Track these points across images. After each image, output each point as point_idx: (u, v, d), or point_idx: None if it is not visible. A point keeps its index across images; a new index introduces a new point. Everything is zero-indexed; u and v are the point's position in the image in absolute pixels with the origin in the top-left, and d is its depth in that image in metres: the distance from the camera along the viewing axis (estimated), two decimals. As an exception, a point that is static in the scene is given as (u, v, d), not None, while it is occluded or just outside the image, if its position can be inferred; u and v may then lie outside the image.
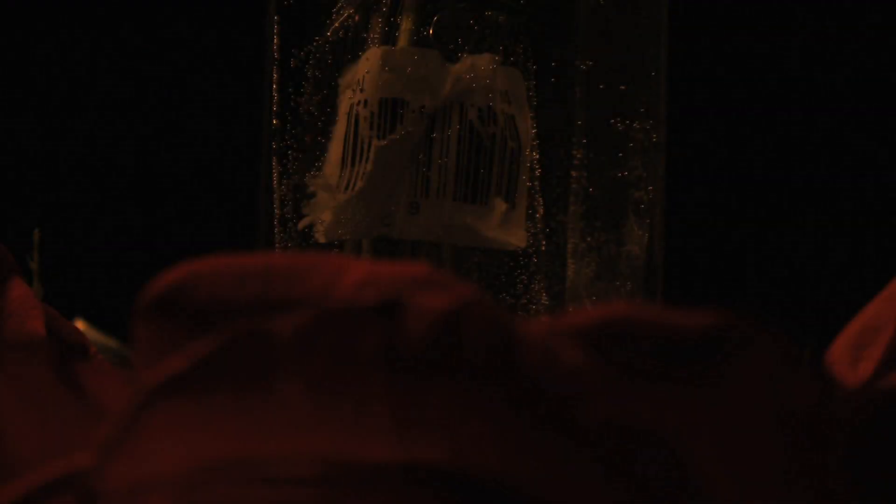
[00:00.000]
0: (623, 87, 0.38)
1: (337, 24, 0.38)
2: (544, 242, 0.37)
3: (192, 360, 0.17)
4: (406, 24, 0.36)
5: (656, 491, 0.18)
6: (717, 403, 0.17)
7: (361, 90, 0.36)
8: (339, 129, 0.37)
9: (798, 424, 0.18)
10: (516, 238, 0.36)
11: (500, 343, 0.17)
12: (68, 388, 0.20)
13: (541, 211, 0.37)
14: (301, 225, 0.37)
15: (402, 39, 0.36)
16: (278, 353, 0.17)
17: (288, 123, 0.38)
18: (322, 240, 0.37)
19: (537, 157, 0.37)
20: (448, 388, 0.17)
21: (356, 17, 0.37)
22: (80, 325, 0.53)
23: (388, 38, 0.37)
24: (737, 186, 0.85)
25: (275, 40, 0.39)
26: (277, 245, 0.38)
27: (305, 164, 0.38)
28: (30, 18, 0.87)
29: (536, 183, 0.37)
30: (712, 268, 0.84)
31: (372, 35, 0.37)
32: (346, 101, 0.37)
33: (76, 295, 0.75)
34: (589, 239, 0.38)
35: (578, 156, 0.38)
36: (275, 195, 0.38)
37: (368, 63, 0.36)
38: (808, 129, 0.83)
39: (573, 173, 0.38)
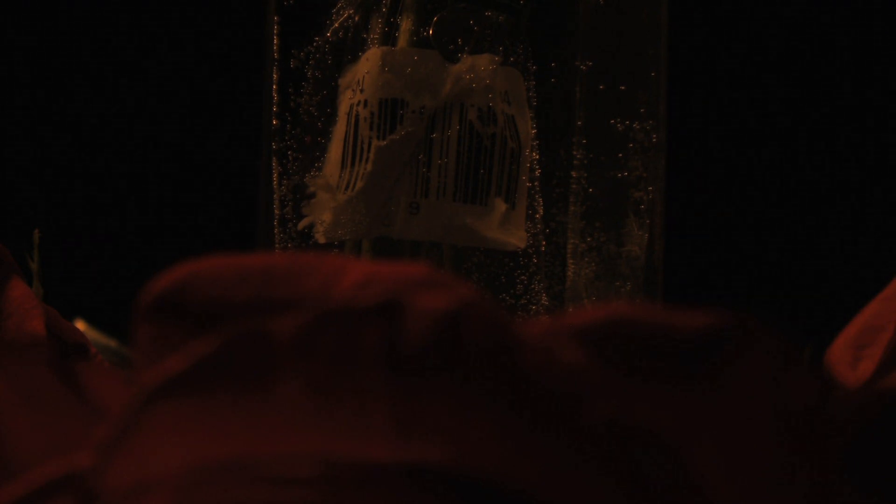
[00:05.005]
0: (623, 87, 0.38)
1: (337, 25, 0.38)
2: (544, 242, 0.37)
3: (192, 360, 0.17)
4: (406, 25, 0.36)
5: (656, 491, 0.18)
6: (717, 403, 0.18)
7: (361, 90, 0.36)
8: (339, 130, 0.37)
9: (798, 424, 0.18)
10: (516, 238, 0.36)
11: (499, 343, 0.17)
12: (68, 388, 0.20)
13: (541, 211, 0.37)
14: (301, 225, 0.37)
15: (402, 40, 0.36)
16: (278, 353, 0.17)
17: (288, 123, 0.38)
18: (322, 240, 0.37)
19: (537, 157, 0.37)
20: (448, 389, 0.17)
21: (356, 18, 0.37)
22: (80, 325, 0.53)
23: (388, 39, 0.37)
24: (737, 186, 0.85)
25: (275, 40, 0.39)
26: (277, 245, 0.38)
27: (305, 165, 0.38)
28: (30, 18, 0.87)
29: (536, 183, 0.37)
30: (712, 268, 0.84)
31: (372, 35, 0.37)
32: (346, 102, 0.37)
33: (76, 295, 0.75)
34: (589, 239, 0.38)
35: (578, 156, 0.38)
36: (275, 195, 0.38)
37: (368, 63, 0.36)
38: (808, 128, 0.83)
39: (573, 173, 0.38)
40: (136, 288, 0.19)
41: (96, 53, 0.87)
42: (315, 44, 0.38)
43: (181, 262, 0.19)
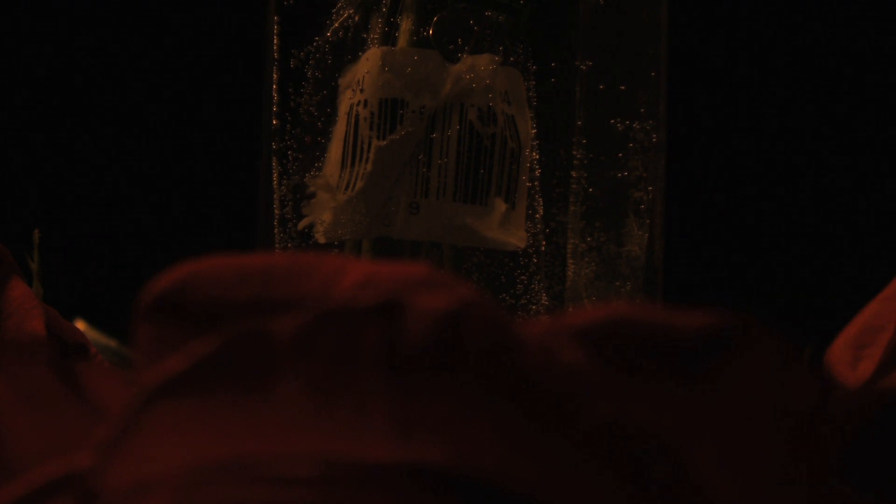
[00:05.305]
0: (623, 87, 0.38)
1: (337, 24, 0.38)
2: (544, 242, 0.37)
3: (192, 361, 0.17)
4: (406, 25, 0.36)
5: (656, 491, 0.18)
6: (717, 403, 0.18)
7: (361, 90, 0.36)
8: (339, 130, 0.37)
9: (798, 424, 0.18)
10: (516, 238, 0.36)
11: (499, 343, 0.17)
12: (68, 388, 0.20)
13: (541, 211, 0.37)
14: (301, 225, 0.37)
15: (402, 40, 0.36)
16: (278, 353, 0.17)
17: (288, 123, 0.38)
18: (322, 240, 0.37)
19: (537, 157, 0.37)
20: (448, 389, 0.17)
21: (356, 17, 0.37)
22: (80, 325, 0.53)
23: (388, 39, 0.37)
24: (737, 186, 0.85)
25: (275, 40, 0.39)
26: (277, 245, 0.38)
27: (305, 165, 0.38)
28: (30, 19, 0.87)
29: (536, 183, 0.37)
30: (712, 268, 0.84)
31: (372, 35, 0.37)
32: (346, 102, 0.37)
33: (76, 295, 0.75)
34: (589, 239, 0.38)
35: (578, 156, 0.38)
36: (275, 195, 0.38)
37: (368, 63, 0.36)
38: (808, 128, 0.83)
39: (573, 173, 0.38)
40: (136, 288, 0.19)
41: (96, 53, 0.87)
42: (315, 44, 0.38)
43: (181, 262, 0.19)
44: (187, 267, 0.19)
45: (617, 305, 0.17)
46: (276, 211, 0.38)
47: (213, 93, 0.87)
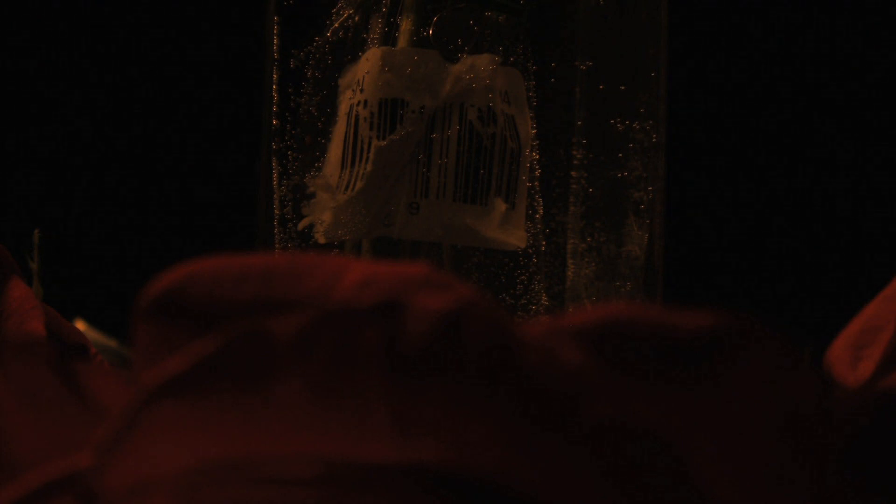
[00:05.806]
0: (623, 87, 0.38)
1: (337, 25, 0.38)
2: (544, 242, 0.37)
3: (192, 361, 0.17)
4: (406, 25, 0.36)
5: (656, 491, 0.18)
6: (717, 404, 0.18)
7: (361, 90, 0.36)
8: (339, 130, 0.37)
9: (798, 425, 0.18)
10: (516, 238, 0.36)
11: (499, 343, 0.17)
12: (68, 388, 0.20)
13: (541, 211, 0.37)
14: (301, 225, 0.37)
15: (402, 40, 0.36)
16: (278, 353, 0.17)
17: (288, 123, 0.38)
18: (322, 240, 0.37)
19: (537, 157, 0.37)
20: (448, 389, 0.17)
21: (356, 18, 0.37)
22: (80, 325, 0.53)
23: (388, 39, 0.37)
24: (737, 186, 0.85)
25: (275, 40, 0.39)
26: (277, 245, 0.38)
27: (305, 165, 0.38)
28: (30, 19, 0.87)
29: (536, 183, 0.37)
30: (712, 268, 0.84)
31: (372, 35, 0.37)
32: (345, 102, 0.37)
33: (76, 295, 0.75)
34: (589, 239, 0.38)
35: (578, 156, 0.38)
36: (275, 195, 0.38)
37: (368, 63, 0.36)
38: (807, 128, 0.83)
39: (573, 173, 0.38)
40: (136, 288, 0.19)
41: (96, 53, 0.87)
42: (315, 44, 0.38)
43: (181, 263, 0.19)
44: (187, 267, 0.19)
45: (617, 305, 0.17)
46: (276, 211, 0.38)
47: (213, 93, 0.87)
